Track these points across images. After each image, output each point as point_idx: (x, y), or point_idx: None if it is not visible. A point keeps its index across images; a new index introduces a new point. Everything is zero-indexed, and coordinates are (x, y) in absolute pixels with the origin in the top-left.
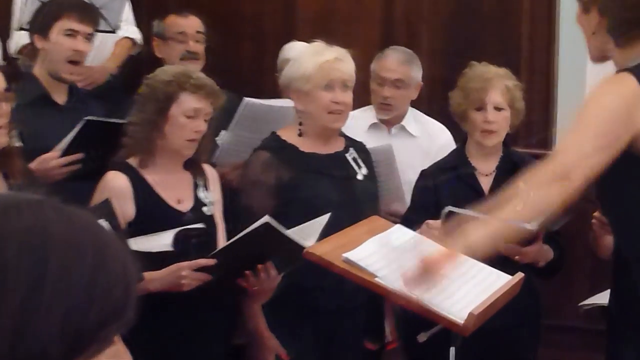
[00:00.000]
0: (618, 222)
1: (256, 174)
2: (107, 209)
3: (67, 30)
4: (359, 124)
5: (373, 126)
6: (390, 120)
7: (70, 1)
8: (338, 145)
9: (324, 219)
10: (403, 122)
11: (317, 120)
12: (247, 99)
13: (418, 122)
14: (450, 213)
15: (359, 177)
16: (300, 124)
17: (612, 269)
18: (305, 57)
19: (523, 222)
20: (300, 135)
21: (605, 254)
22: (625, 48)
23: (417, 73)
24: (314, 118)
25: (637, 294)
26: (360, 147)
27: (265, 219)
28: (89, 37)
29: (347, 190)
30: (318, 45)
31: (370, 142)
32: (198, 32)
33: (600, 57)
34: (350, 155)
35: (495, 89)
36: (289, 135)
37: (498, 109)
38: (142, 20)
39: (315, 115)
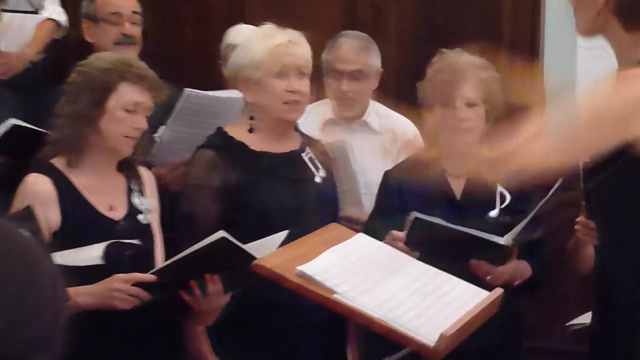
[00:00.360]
0: (608, 229)
1: (199, 176)
2: (28, 217)
3: None
4: (314, 119)
5: (330, 122)
6: (350, 116)
7: None
8: (293, 144)
9: (281, 235)
10: (365, 117)
11: (270, 112)
12: (188, 90)
13: (381, 117)
14: (417, 220)
15: (317, 179)
16: (251, 118)
17: (595, 285)
18: (254, 42)
19: (496, 238)
20: (250, 131)
21: (585, 267)
22: (636, 33)
23: (376, 60)
24: (266, 110)
25: (624, 313)
26: (317, 146)
27: (221, 233)
28: None
29: (303, 194)
30: (269, 28)
31: (327, 140)
32: (134, 12)
33: (590, 33)
34: (307, 155)
35: (467, 82)
36: (237, 132)
37: (470, 105)
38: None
39: (267, 106)
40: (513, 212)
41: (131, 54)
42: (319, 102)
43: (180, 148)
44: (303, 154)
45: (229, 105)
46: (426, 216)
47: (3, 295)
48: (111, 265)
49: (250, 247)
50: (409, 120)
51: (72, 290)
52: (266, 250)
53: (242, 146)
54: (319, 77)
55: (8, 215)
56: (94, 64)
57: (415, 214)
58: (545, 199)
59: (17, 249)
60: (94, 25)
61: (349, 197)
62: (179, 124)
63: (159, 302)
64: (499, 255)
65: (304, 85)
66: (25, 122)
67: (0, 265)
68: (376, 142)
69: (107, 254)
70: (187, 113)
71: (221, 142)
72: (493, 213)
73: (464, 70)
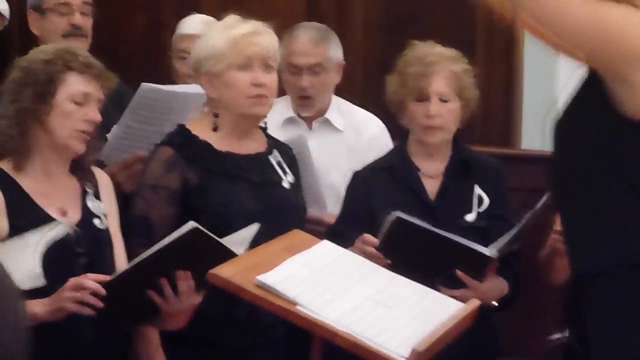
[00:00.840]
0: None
1: (157, 175)
2: None
3: None
4: (273, 118)
5: (289, 121)
6: (310, 115)
7: None
8: (260, 146)
9: (252, 229)
10: (326, 115)
11: (234, 107)
12: (145, 84)
13: (343, 113)
14: (398, 221)
15: (284, 184)
16: (216, 115)
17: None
18: (216, 33)
19: (481, 248)
20: (214, 129)
21: (559, 278)
22: None
23: (336, 51)
24: (229, 106)
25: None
26: (285, 150)
27: (192, 224)
28: None
29: (268, 199)
30: (231, 18)
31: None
32: (84, 2)
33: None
34: (274, 158)
35: (439, 75)
36: (200, 130)
37: (443, 100)
38: None
39: (231, 101)
40: (490, 217)
41: (80, 47)
42: (277, 99)
43: (132, 145)
44: (270, 157)
45: (186, 101)
46: (409, 217)
47: None
48: (54, 278)
49: (223, 241)
50: (373, 116)
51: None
52: (238, 244)
53: (205, 145)
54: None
55: None
56: (35, 57)
57: (397, 214)
58: (532, 211)
59: None
60: (40, 17)
61: (309, 196)
62: (132, 119)
63: (124, 308)
64: (479, 266)
65: (271, 78)
66: None
67: None
68: (339, 141)
69: (47, 266)
70: (141, 108)
71: (182, 140)
72: (470, 217)
73: (436, 62)
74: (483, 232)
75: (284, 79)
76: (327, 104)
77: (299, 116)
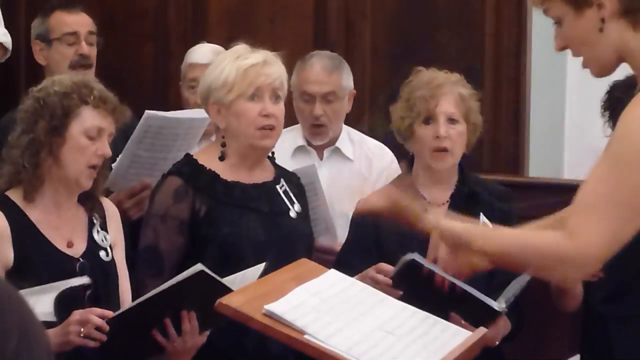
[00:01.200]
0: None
1: (166, 206)
2: None
3: None
4: (283, 147)
5: (300, 150)
6: (322, 144)
7: None
8: (267, 175)
9: (258, 269)
10: (337, 144)
11: (243, 138)
12: (149, 112)
13: (354, 143)
14: (412, 263)
15: (292, 214)
16: (223, 145)
17: (582, 323)
18: (226, 63)
19: (490, 301)
20: (221, 158)
21: (572, 305)
22: None
23: (348, 80)
24: (238, 136)
25: (614, 354)
26: (292, 179)
27: (199, 267)
28: None
29: (276, 229)
30: (240, 48)
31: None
32: (90, 32)
33: (614, 63)
34: (282, 187)
35: (448, 97)
36: (207, 159)
37: (451, 120)
38: (16, 19)
39: (240, 132)
40: None
41: (89, 77)
42: (288, 128)
43: (138, 173)
44: (277, 186)
45: (191, 127)
46: (423, 259)
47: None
48: (64, 317)
49: (227, 282)
50: (384, 145)
51: None
52: (243, 284)
53: (212, 175)
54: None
55: None
56: (51, 88)
57: (411, 256)
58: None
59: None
60: (47, 47)
61: (320, 225)
62: (138, 147)
63: (128, 344)
64: (487, 316)
65: (279, 109)
66: None
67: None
68: (350, 170)
69: (59, 306)
70: (147, 136)
71: (190, 170)
72: None
73: (443, 84)
74: (489, 274)
75: (296, 106)
76: (337, 132)
77: (310, 145)
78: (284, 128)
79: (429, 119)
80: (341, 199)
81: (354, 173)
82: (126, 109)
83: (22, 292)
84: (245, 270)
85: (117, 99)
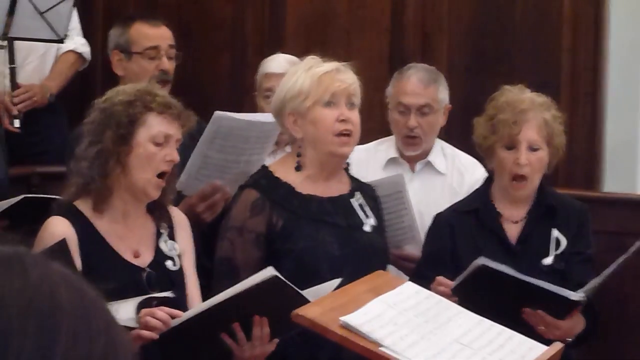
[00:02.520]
0: None
1: (243, 219)
2: (61, 253)
3: None
4: (376, 158)
5: (392, 162)
6: (414, 155)
7: None
8: (343, 187)
9: (333, 283)
10: (430, 157)
11: (321, 146)
12: (218, 113)
13: (447, 157)
14: (483, 268)
15: (366, 228)
16: (298, 155)
17: None
18: (299, 73)
19: (567, 292)
20: (298, 169)
21: None
22: None
23: (444, 94)
24: (316, 144)
25: None
26: (368, 192)
27: (271, 271)
28: None
29: (351, 243)
30: (312, 59)
31: (385, 192)
32: (170, 45)
33: None
34: (357, 200)
35: (531, 124)
36: (283, 172)
37: (533, 149)
38: (94, 27)
39: (317, 139)
40: (570, 255)
41: (165, 92)
42: (380, 140)
43: (210, 175)
44: (352, 200)
45: (263, 130)
46: (494, 263)
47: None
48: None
49: (304, 295)
50: (476, 161)
51: None
52: (317, 297)
53: (288, 188)
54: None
55: (40, 252)
56: (114, 98)
57: (482, 260)
58: (625, 256)
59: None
60: (126, 59)
61: (407, 234)
62: (209, 148)
63: (196, 346)
64: (564, 309)
65: (355, 115)
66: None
67: (87, 328)
68: (442, 183)
69: (140, 311)
70: (217, 136)
71: (267, 183)
72: (547, 260)
73: (528, 110)
74: (561, 274)
75: (391, 117)
76: (430, 145)
77: (402, 157)
78: (378, 139)
79: (511, 145)
80: (431, 212)
81: (446, 187)
82: (191, 114)
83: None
84: (319, 285)
85: (184, 105)
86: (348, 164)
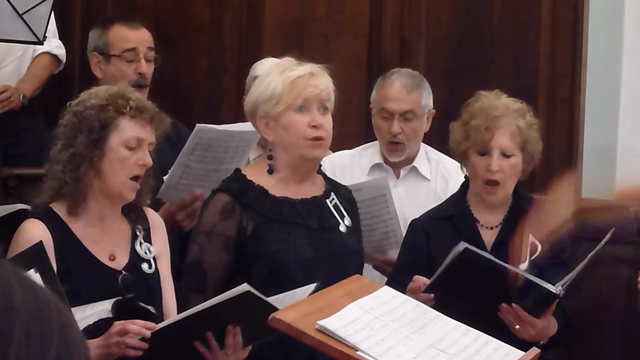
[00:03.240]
0: None
1: (213, 223)
2: (38, 256)
3: None
4: (360, 164)
5: (376, 167)
6: (399, 161)
7: None
8: (316, 189)
9: (308, 289)
10: (415, 163)
11: (292, 150)
12: (200, 125)
13: (431, 162)
14: (465, 252)
15: (341, 228)
16: (270, 157)
17: None
18: (273, 75)
19: (547, 284)
20: (270, 172)
21: None
22: None
23: (428, 100)
24: (287, 148)
25: None
26: (343, 193)
27: (245, 287)
28: None
29: (325, 245)
30: (286, 61)
31: (368, 196)
32: (149, 48)
33: None
34: (332, 201)
35: (504, 130)
36: (255, 175)
37: (505, 155)
38: (72, 30)
39: (289, 144)
40: (544, 260)
41: (143, 95)
42: (364, 146)
43: (190, 184)
44: (327, 200)
45: (243, 139)
46: (476, 249)
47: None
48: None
49: (277, 300)
50: (459, 165)
51: None
52: (290, 302)
53: (261, 191)
54: (343, 114)
55: (17, 254)
56: (88, 101)
57: (464, 245)
58: (597, 248)
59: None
60: (104, 61)
61: (390, 239)
62: (190, 159)
63: (169, 355)
64: (541, 303)
65: (327, 121)
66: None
67: (40, 328)
68: (426, 189)
69: (116, 310)
70: (198, 148)
71: (238, 186)
72: (522, 266)
73: (501, 116)
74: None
75: (374, 123)
76: (415, 151)
77: (387, 162)
78: (362, 145)
79: (483, 151)
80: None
81: (430, 192)
82: (165, 116)
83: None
84: (295, 290)
85: (169, 111)
86: (321, 165)
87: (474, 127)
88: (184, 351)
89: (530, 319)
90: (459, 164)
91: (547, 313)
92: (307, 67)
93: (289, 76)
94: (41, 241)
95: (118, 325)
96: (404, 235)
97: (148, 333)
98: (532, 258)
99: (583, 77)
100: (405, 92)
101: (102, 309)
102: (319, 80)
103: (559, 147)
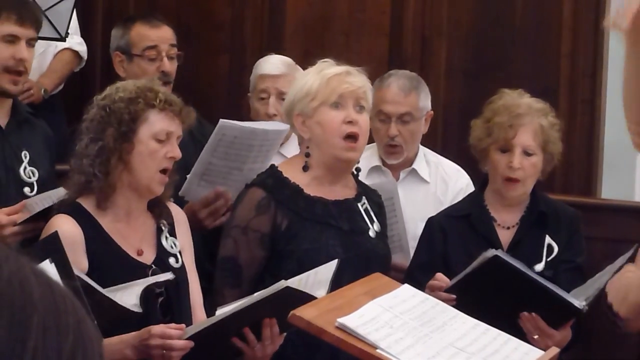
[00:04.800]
0: None
1: (248, 218)
2: (54, 247)
3: (6, 35)
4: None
5: (374, 170)
6: (398, 164)
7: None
8: (349, 192)
9: (331, 265)
10: (414, 165)
11: (328, 148)
12: (223, 121)
13: (430, 164)
14: (495, 259)
15: (371, 233)
16: (307, 155)
17: None
18: (310, 74)
19: (572, 299)
20: (305, 169)
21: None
22: None
23: (425, 101)
24: (322, 145)
25: None
26: (373, 197)
27: (283, 283)
28: (31, 43)
29: (354, 248)
30: (324, 62)
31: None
32: (172, 45)
33: None
34: (363, 205)
35: (527, 128)
36: (291, 172)
37: (527, 153)
38: (94, 27)
39: (324, 140)
40: (559, 263)
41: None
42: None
43: (213, 181)
44: (359, 204)
45: (266, 138)
46: (507, 256)
47: (56, 357)
48: (147, 311)
49: (299, 281)
50: (460, 168)
51: (115, 340)
52: (320, 286)
53: (295, 188)
54: None
55: (34, 245)
56: (116, 94)
57: (494, 252)
58: (620, 264)
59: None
60: (128, 60)
61: (395, 242)
62: (212, 155)
63: (207, 352)
64: (562, 316)
65: (363, 119)
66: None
67: (56, 323)
68: (426, 192)
69: (145, 300)
70: (221, 144)
71: (273, 182)
72: (538, 267)
73: (524, 114)
74: (550, 280)
75: (372, 126)
76: (414, 153)
77: (385, 165)
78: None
79: (505, 148)
80: (415, 221)
81: (429, 195)
82: (191, 110)
83: (107, 289)
84: (317, 268)
85: (183, 102)
86: (358, 169)
87: (497, 123)
88: (222, 347)
89: (549, 330)
90: (458, 167)
91: (566, 326)
92: (344, 67)
93: (325, 74)
94: (57, 231)
95: (158, 329)
96: (407, 239)
97: (190, 344)
98: (548, 259)
99: (604, 78)
100: (402, 94)
101: (130, 302)
102: (355, 79)
103: (579, 147)
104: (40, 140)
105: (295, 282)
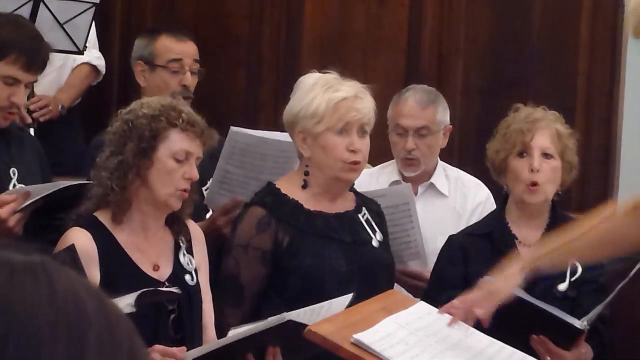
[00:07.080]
0: None
1: (249, 236)
2: (72, 260)
3: (8, 77)
4: (379, 182)
5: (394, 184)
6: (416, 178)
7: (21, 37)
8: (348, 204)
9: (346, 299)
10: (432, 180)
11: (328, 170)
12: (234, 129)
13: (450, 179)
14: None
15: (374, 243)
16: (306, 173)
17: None
18: (317, 92)
19: (573, 320)
20: (304, 187)
21: None
22: None
23: (444, 116)
24: (323, 168)
25: None
26: (372, 206)
27: (286, 316)
28: (29, 85)
29: (358, 259)
30: (332, 78)
31: (391, 203)
32: (195, 61)
33: None
34: (364, 216)
35: (544, 132)
36: (289, 188)
37: (546, 155)
38: (112, 41)
39: (325, 164)
40: (583, 284)
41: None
42: (384, 164)
43: (232, 190)
44: (359, 215)
45: (280, 149)
46: (528, 297)
47: None
48: (143, 313)
49: (312, 311)
50: (480, 182)
51: None
52: (330, 314)
53: (295, 205)
54: (385, 133)
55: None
56: (140, 111)
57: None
58: (626, 280)
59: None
60: (150, 71)
61: (412, 249)
62: (228, 163)
63: None
64: (568, 338)
65: (365, 145)
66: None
67: (111, 336)
68: (445, 206)
69: (140, 302)
70: (235, 152)
71: (273, 200)
72: (562, 287)
73: (540, 119)
74: (573, 301)
75: (391, 140)
76: (432, 167)
77: (405, 180)
78: (380, 164)
79: (523, 152)
80: (435, 235)
81: (449, 210)
82: (214, 133)
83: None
84: (332, 300)
85: (206, 123)
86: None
87: (513, 130)
88: None
89: (560, 352)
90: (478, 180)
91: (577, 346)
92: (353, 89)
93: (333, 97)
94: (73, 245)
95: (157, 349)
96: (424, 246)
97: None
98: (572, 280)
99: (621, 97)
100: (419, 108)
101: (125, 303)
102: (362, 104)
103: (596, 166)
104: (30, 157)
105: (309, 312)
